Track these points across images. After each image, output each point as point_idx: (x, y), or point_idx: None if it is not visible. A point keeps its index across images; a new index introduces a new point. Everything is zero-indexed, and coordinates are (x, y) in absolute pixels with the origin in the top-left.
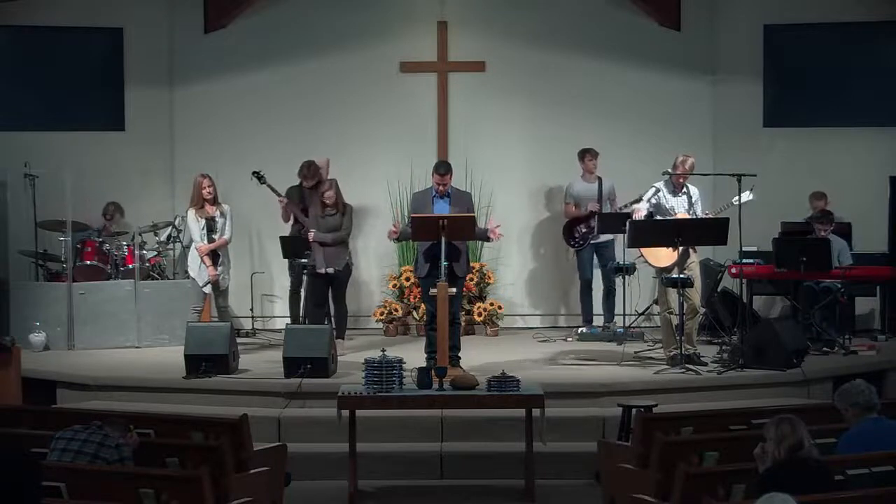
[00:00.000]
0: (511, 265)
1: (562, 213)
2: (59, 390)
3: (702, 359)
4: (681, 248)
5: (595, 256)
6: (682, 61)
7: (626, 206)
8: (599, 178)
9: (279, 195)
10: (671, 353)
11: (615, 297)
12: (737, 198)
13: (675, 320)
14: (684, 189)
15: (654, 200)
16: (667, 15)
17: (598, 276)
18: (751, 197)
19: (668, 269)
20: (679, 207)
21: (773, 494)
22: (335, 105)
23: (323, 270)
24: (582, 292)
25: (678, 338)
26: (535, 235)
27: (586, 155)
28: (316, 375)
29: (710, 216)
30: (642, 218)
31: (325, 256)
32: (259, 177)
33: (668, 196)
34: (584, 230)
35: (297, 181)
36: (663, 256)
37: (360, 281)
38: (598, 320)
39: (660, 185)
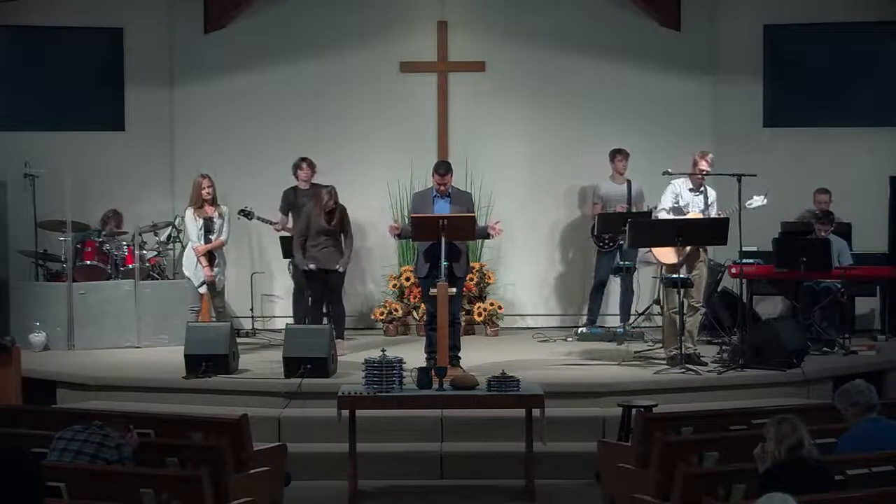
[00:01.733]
0: (511, 265)
1: (563, 213)
2: (59, 390)
3: (702, 358)
4: (688, 247)
5: (611, 260)
6: (682, 61)
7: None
8: (628, 181)
9: (272, 222)
10: (671, 353)
11: (632, 296)
12: (751, 201)
13: (671, 318)
14: (702, 188)
15: (672, 205)
16: (667, 15)
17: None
18: (765, 201)
19: (676, 267)
20: (694, 206)
21: (773, 494)
22: (335, 105)
23: (305, 267)
24: (594, 291)
25: (679, 338)
26: (535, 235)
27: (617, 156)
28: (316, 375)
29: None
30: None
31: (316, 256)
32: (247, 213)
33: (686, 193)
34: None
35: (290, 184)
36: (671, 254)
37: (361, 281)
38: (605, 320)
39: (678, 182)
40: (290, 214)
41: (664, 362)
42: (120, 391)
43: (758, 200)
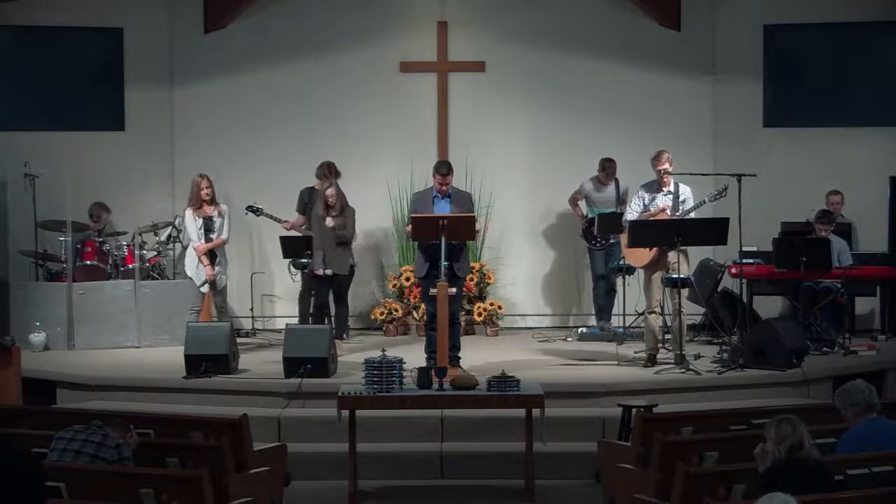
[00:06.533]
0: (511, 265)
1: (563, 213)
2: (59, 390)
3: (686, 360)
4: (656, 249)
5: (606, 256)
6: (682, 61)
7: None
8: (616, 180)
9: (279, 220)
10: (648, 353)
11: (615, 297)
12: (709, 195)
13: (652, 319)
14: (670, 188)
15: (639, 209)
16: (667, 15)
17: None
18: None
19: (651, 269)
20: (660, 202)
21: (773, 494)
22: (335, 105)
23: (321, 272)
24: (594, 288)
25: (660, 337)
26: (535, 235)
27: (605, 164)
28: (316, 375)
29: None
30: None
31: (326, 258)
32: (255, 210)
33: (649, 196)
34: None
35: (305, 183)
36: (641, 256)
37: (361, 281)
38: (596, 320)
39: (640, 192)
40: (305, 213)
41: (665, 362)
42: (120, 391)
43: (708, 197)
